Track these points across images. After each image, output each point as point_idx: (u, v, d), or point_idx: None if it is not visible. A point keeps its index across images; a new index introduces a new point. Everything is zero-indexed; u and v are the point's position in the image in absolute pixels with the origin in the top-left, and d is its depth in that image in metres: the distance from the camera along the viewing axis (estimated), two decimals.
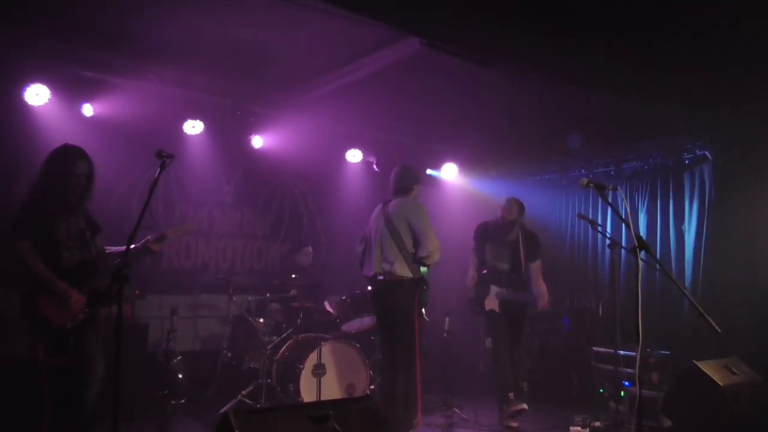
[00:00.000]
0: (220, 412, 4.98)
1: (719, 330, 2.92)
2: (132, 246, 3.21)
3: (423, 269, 4.38)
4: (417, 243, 4.34)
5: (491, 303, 5.17)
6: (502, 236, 5.23)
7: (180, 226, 4.08)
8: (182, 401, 5.11)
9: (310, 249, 6.32)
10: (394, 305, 4.37)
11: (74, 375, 3.45)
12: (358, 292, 5.77)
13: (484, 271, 5.25)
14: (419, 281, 4.37)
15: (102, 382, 3.50)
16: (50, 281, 3.41)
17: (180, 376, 5.17)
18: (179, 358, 5.22)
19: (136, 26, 4.57)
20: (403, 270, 4.35)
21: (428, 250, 4.30)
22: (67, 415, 3.46)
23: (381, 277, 4.41)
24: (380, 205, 4.65)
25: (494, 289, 5.17)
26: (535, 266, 5.22)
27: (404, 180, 4.60)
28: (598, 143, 6.42)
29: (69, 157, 3.60)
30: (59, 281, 3.42)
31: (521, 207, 5.22)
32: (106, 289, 3.44)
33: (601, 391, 5.46)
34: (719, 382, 4.05)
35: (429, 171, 7.54)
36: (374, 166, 7.26)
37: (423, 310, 4.42)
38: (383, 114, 6.48)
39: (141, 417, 4.75)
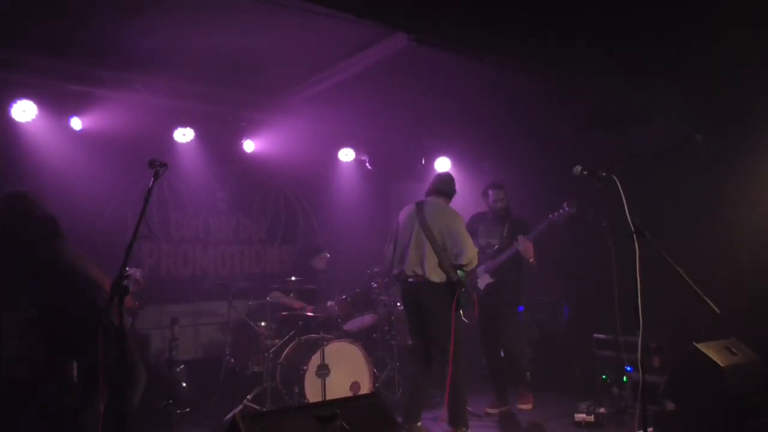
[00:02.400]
0: (226, 417, 4.98)
1: (718, 311, 2.95)
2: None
3: (460, 273, 4.40)
4: (457, 251, 4.36)
5: (484, 279, 5.24)
6: (495, 218, 5.34)
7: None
8: (187, 410, 5.11)
9: (327, 254, 6.26)
10: (430, 307, 4.39)
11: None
12: (357, 290, 5.79)
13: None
14: (456, 284, 4.36)
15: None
16: None
17: (184, 384, 5.17)
18: (182, 366, 5.22)
19: (122, 37, 4.55)
20: (438, 274, 4.36)
21: (468, 258, 4.35)
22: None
23: (412, 279, 4.43)
24: (413, 205, 4.62)
25: (481, 267, 5.18)
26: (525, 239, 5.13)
27: (447, 185, 4.67)
28: (590, 131, 6.44)
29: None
30: None
31: (506, 190, 5.35)
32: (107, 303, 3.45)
33: (604, 377, 5.48)
34: (720, 363, 4.08)
35: (422, 163, 7.58)
36: (367, 164, 7.28)
37: (461, 311, 4.41)
38: (374, 112, 6.49)
39: (146, 428, 4.73)
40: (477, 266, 5.05)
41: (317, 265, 6.17)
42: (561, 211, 4.94)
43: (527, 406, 5.12)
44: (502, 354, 5.33)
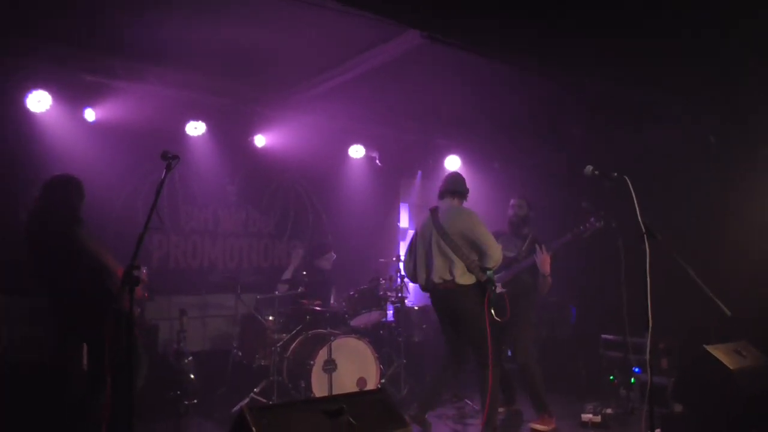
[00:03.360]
0: (233, 410, 5.01)
1: (729, 312, 2.93)
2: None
3: (489, 272, 4.37)
4: (482, 252, 4.33)
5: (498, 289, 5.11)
6: (514, 230, 5.16)
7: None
8: (194, 401, 5.13)
9: (333, 255, 6.27)
10: (462, 312, 4.37)
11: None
12: (364, 287, 5.80)
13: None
14: (486, 284, 4.34)
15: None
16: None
17: (192, 376, 5.19)
18: (190, 358, 5.24)
19: (136, 30, 4.57)
20: (465, 278, 4.33)
21: (494, 259, 4.34)
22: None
23: (441, 286, 4.39)
24: (428, 213, 4.61)
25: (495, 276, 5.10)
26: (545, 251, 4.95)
27: (458, 185, 4.63)
28: (602, 131, 6.41)
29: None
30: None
31: (530, 204, 5.18)
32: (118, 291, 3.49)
33: (612, 378, 5.47)
34: (729, 366, 4.06)
35: (431, 163, 7.57)
36: (377, 161, 7.28)
37: (493, 311, 4.34)
38: (385, 109, 6.49)
39: (154, 418, 4.77)
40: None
41: (323, 265, 6.19)
42: (587, 224, 4.74)
43: (543, 427, 4.71)
44: (510, 354, 5.30)
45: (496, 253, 4.34)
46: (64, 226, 3.65)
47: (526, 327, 4.92)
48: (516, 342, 4.89)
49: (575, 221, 4.87)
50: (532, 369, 4.81)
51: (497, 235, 5.19)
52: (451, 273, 4.32)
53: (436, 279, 4.38)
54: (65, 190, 3.86)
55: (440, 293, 4.43)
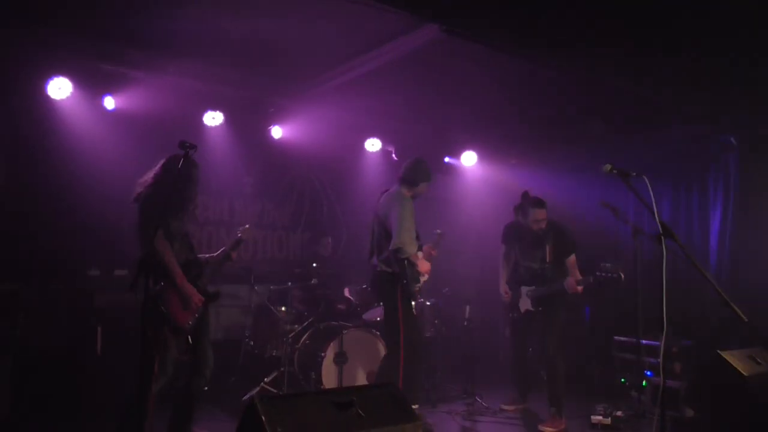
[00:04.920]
0: (243, 398, 5.05)
1: (745, 318, 2.88)
2: (211, 255, 3.72)
3: (405, 261, 4.26)
4: (391, 235, 4.24)
5: (525, 303, 5.06)
6: (533, 239, 5.02)
7: (244, 229, 4.13)
8: (206, 389, 5.17)
9: (330, 240, 6.38)
10: (381, 297, 4.52)
11: (196, 369, 3.66)
12: None
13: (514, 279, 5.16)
14: (399, 276, 4.28)
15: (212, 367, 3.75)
16: (181, 280, 3.50)
17: None
18: None
19: (156, 19, 4.59)
20: (384, 264, 4.36)
21: (395, 244, 4.17)
22: (186, 402, 3.71)
23: (372, 269, 4.49)
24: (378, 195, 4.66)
25: (524, 289, 5.06)
26: (570, 261, 4.96)
27: (412, 173, 4.52)
28: (620, 131, 6.34)
29: (193, 163, 3.65)
30: (187, 282, 3.54)
31: (545, 206, 4.97)
32: (214, 291, 3.73)
33: (623, 380, 5.43)
34: (743, 372, 4.01)
35: (448, 159, 7.54)
36: (393, 155, 7.26)
37: (413, 303, 4.35)
38: (402, 102, 6.46)
39: (166, 405, 4.81)
40: (518, 287, 5.05)
41: (321, 251, 6.26)
42: (610, 274, 4.50)
43: (552, 430, 4.63)
44: (530, 351, 5.30)
45: (400, 239, 4.15)
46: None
47: (557, 324, 4.89)
48: (547, 337, 4.87)
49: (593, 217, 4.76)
50: (559, 365, 4.80)
51: (516, 235, 5.14)
52: (376, 258, 4.41)
53: (370, 263, 4.51)
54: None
55: (372, 277, 4.55)
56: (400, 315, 4.26)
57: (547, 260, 4.93)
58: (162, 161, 3.68)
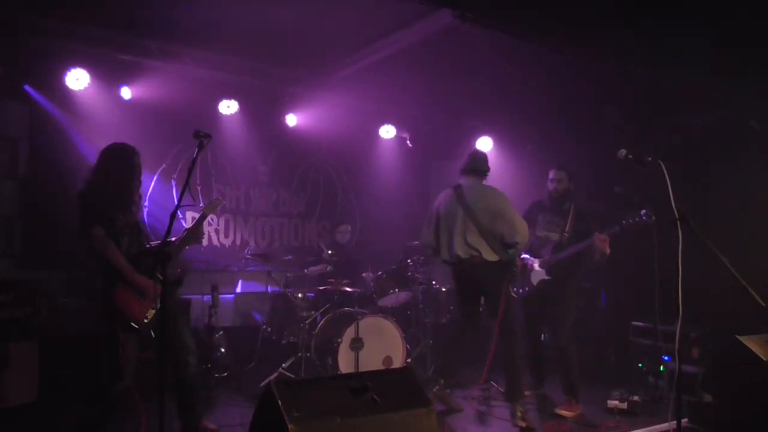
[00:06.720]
0: (261, 384, 5.11)
1: (763, 303, 2.86)
2: (174, 238, 3.43)
3: (511, 251, 4.51)
4: (508, 230, 4.45)
5: (537, 275, 4.86)
6: (557, 207, 4.92)
7: (213, 201, 3.97)
8: (224, 375, 5.26)
9: (349, 227, 6.42)
10: (485, 285, 4.54)
11: (174, 359, 3.55)
12: (393, 267, 5.82)
13: (525, 255, 4.98)
14: (509, 264, 4.50)
15: (196, 352, 3.65)
16: (129, 273, 3.33)
17: (222, 350, 5.32)
18: (221, 333, 5.37)
19: (171, 9, 4.62)
20: (489, 254, 4.47)
21: (521, 235, 4.46)
22: (181, 393, 3.63)
23: (467, 260, 4.52)
24: (450, 190, 4.68)
25: (535, 261, 4.90)
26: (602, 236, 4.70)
27: (481, 163, 4.71)
28: (636, 117, 6.26)
29: (130, 152, 3.60)
30: (137, 273, 3.35)
31: (571, 175, 4.91)
32: (177, 277, 3.61)
33: (640, 365, 5.40)
34: (762, 357, 3.97)
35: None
36: (408, 142, 7.26)
37: (511, 287, 4.59)
38: (416, 89, 6.44)
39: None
40: (531, 261, 4.95)
41: (339, 239, 6.31)
42: (638, 218, 4.33)
43: (569, 413, 4.61)
44: (543, 338, 5.28)
45: (522, 229, 4.47)
46: None
47: (570, 311, 4.84)
48: (558, 325, 4.83)
49: (617, 210, 4.64)
50: (571, 353, 4.78)
51: (537, 211, 5.08)
52: (478, 249, 4.48)
53: (463, 254, 4.52)
54: None
55: (466, 266, 4.55)
56: (503, 300, 4.42)
57: (567, 229, 4.84)
58: (100, 156, 3.54)
